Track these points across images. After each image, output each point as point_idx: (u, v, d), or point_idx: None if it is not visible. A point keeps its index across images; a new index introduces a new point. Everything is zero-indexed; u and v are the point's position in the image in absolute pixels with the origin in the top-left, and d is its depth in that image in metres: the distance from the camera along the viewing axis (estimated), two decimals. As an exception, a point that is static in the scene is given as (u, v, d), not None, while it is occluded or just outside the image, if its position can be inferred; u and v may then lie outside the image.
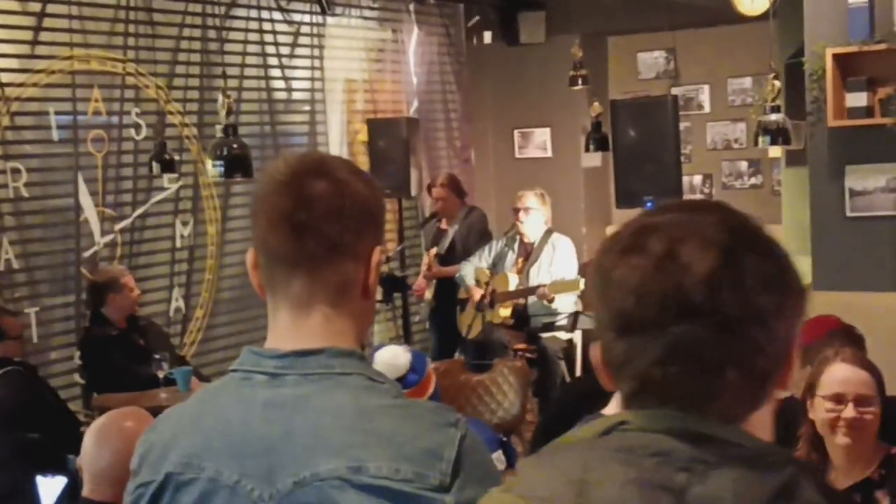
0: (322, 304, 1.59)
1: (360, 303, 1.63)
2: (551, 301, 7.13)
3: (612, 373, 1.22)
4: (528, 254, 7.48)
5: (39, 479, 4.02)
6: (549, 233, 7.51)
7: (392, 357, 4.01)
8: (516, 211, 7.52)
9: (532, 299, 7.28)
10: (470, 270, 7.57)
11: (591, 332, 7.02)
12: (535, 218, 7.46)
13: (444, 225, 8.18)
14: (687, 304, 1.14)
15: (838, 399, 3.12)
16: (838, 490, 1.17)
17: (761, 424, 1.21)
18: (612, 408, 3.79)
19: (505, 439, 5.36)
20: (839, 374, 3.15)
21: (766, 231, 1.22)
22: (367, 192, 1.63)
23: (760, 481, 1.12)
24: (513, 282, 7.41)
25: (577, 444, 1.21)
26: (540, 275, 7.32)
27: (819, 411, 3.16)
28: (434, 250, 8.04)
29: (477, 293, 7.41)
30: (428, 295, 8.14)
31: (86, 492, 2.99)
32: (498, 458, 3.96)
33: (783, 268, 1.21)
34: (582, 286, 7.17)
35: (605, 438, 1.19)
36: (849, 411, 3.11)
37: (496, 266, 7.55)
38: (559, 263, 7.38)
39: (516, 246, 7.56)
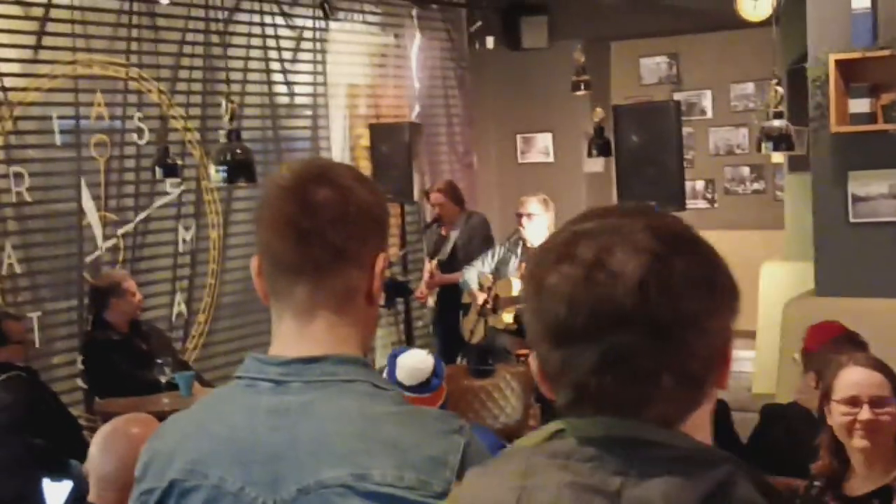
0: (326, 311, 1.59)
1: (364, 309, 1.63)
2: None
3: (551, 383, 1.21)
4: (531, 259, 7.47)
5: (46, 483, 4.02)
6: (551, 238, 7.49)
7: (419, 361, 4.01)
8: (519, 216, 7.52)
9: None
10: (473, 275, 7.56)
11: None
12: (538, 223, 7.45)
13: (444, 231, 8.18)
14: (618, 312, 1.14)
15: (853, 402, 3.13)
16: (777, 488, 1.18)
17: (700, 425, 1.21)
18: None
19: (505, 445, 5.35)
20: (853, 377, 3.16)
21: (694, 233, 1.22)
22: (372, 198, 1.63)
23: (693, 482, 1.12)
24: (516, 287, 7.40)
25: (518, 451, 1.22)
26: (542, 280, 7.30)
27: (835, 416, 3.17)
28: (435, 260, 8.04)
29: (480, 298, 7.41)
30: (431, 301, 8.14)
31: (92, 496, 3.00)
32: None
33: (713, 269, 1.20)
34: None
35: (543, 445, 1.20)
36: (864, 413, 3.11)
37: (499, 271, 7.54)
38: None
39: (519, 251, 7.55)
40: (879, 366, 3.21)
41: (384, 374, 3.85)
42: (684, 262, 1.17)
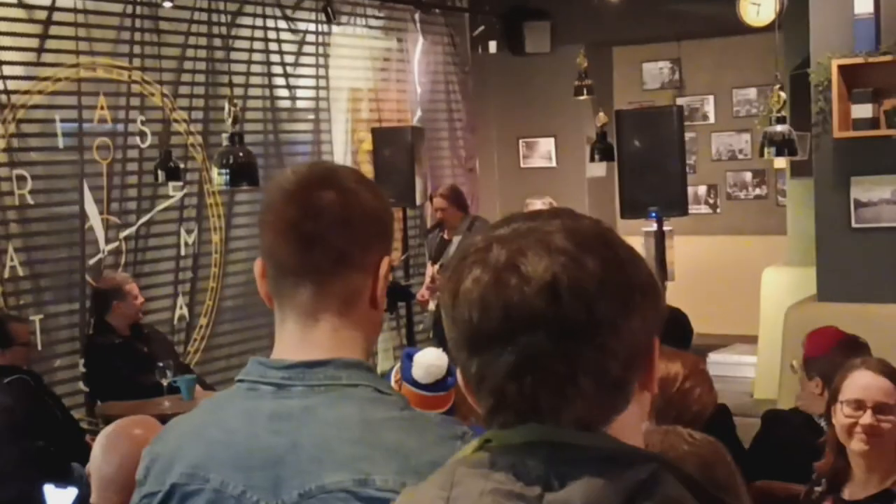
0: (329, 315, 1.59)
1: (367, 313, 1.63)
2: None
3: (472, 391, 1.20)
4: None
5: (49, 489, 4.01)
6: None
7: (436, 358, 4.00)
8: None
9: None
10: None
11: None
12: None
13: (447, 235, 8.18)
14: (530, 314, 1.13)
15: (858, 405, 3.14)
16: (704, 484, 1.16)
17: (629, 427, 1.19)
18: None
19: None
20: (861, 381, 3.17)
21: (611, 234, 1.21)
22: (376, 202, 1.63)
23: (614, 482, 1.11)
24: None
25: (451, 463, 1.21)
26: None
27: (839, 417, 3.18)
28: (438, 265, 8.03)
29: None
30: (431, 305, 8.13)
31: (94, 499, 2.99)
32: None
33: (629, 269, 1.18)
34: None
35: (470, 456, 1.19)
36: (866, 418, 3.12)
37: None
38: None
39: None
40: (891, 372, 3.21)
41: (396, 372, 3.85)
42: (598, 263, 1.15)
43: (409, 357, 4.01)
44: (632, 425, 1.20)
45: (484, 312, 1.14)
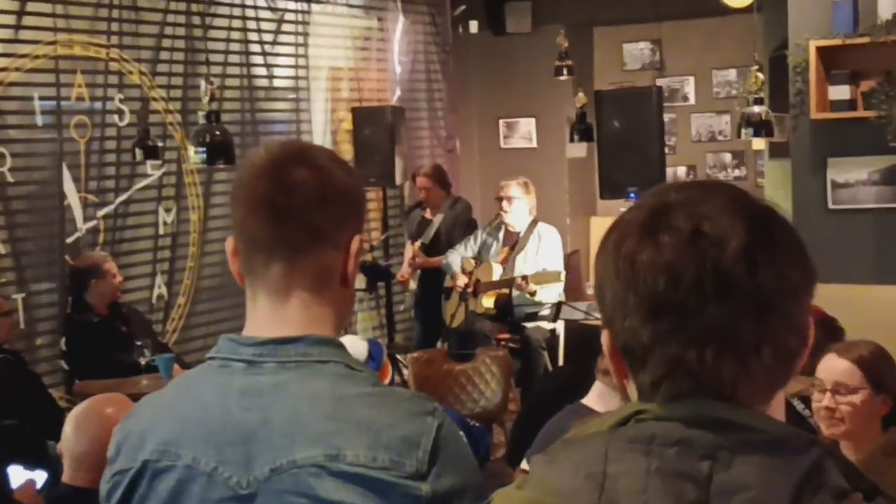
0: (301, 291, 1.59)
1: (339, 291, 1.63)
2: (533, 294, 7.14)
3: (634, 360, 1.17)
4: (514, 243, 7.47)
5: (16, 471, 4.00)
6: (534, 222, 7.50)
7: (350, 345, 4.01)
8: (500, 200, 7.51)
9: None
10: (456, 259, 7.56)
11: (574, 321, 7.04)
12: (519, 207, 7.45)
13: (429, 215, 8.18)
14: (724, 281, 1.11)
15: (820, 387, 3.12)
16: (860, 472, 1.14)
17: (777, 408, 1.18)
18: (593, 398, 3.82)
19: (477, 425, 5.37)
20: (824, 363, 3.14)
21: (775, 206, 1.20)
22: (349, 180, 1.63)
23: (786, 467, 1.09)
24: (497, 271, 7.41)
25: (590, 437, 1.16)
26: (526, 264, 7.32)
27: (814, 402, 3.17)
28: (419, 242, 8.03)
29: (461, 280, 7.41)
30: (413, 285, 8.14)
31: (65, 477, 3.00)
32: None
33: (803, 243, 1.18)
34: (563, 278, 7.18)
35: (621, 430, 1.15)
36: (825, 400, 3.09)
37: (480, 255, 7.55)
38: (545, 253, 7.38)
39: (501, 235, 7.55)
40: (858, 357, 3.12)
41: None
42: (782, 234, 1.15)
43: None
44: (780, 406, 1.21)
45: (673, 278, 1.12)
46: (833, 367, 3.12)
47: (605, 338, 1.20)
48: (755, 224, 1.13)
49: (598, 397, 3.78)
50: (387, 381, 4.08)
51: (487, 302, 7.39)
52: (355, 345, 4.03)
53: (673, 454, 1.11)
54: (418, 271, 8.07)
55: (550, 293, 7.23)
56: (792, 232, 1.17)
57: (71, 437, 2.94)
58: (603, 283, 1.18)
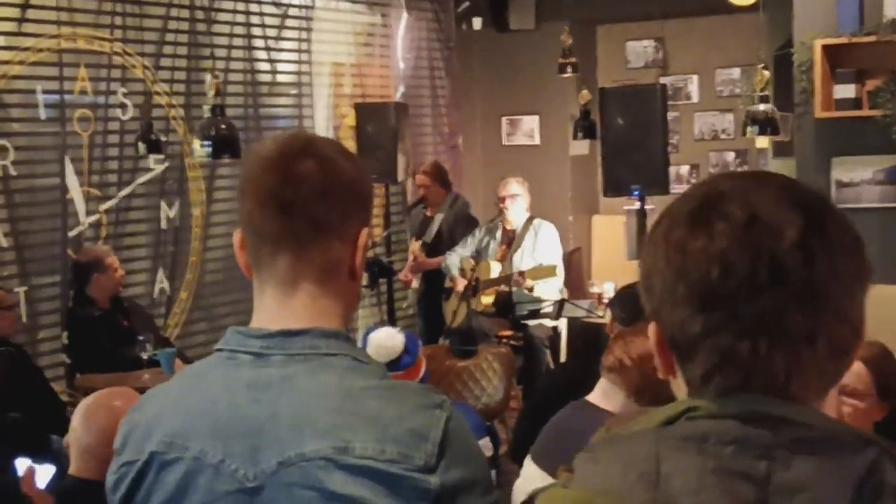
0: (308, 284, 1.58)
1: (346, 284, 1.62)
2: (530, 290, 7.13)
3: (682, 353, 1.14)
4: (511, 241, 7.48)
5: (25, 464, 3.99)
6: (530, 219, 7.51)
7: (387, 338, 4.00)
8: (502, 199, 7.52)
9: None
10: (455, 260, 7.57)
11: (576, 319, 7.04)
12: (519, 205, 7.48)
13: (430, 213, 8.17)
14: (779, 270, 1.08)
15: None
16: None
17: (831, 404, 1.15)
18: (598, 395, 3.80)
19: (489, 424, 5.37)
20: None
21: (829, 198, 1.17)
22: (356, 172, 1.63)
23: (844, 466, 1.06)
24: (495, 269, 7.41)
25: (638, 435, 1.14)
26: (524, 261, 7.32)
27: None
28: (420, 241, 8.03)
29: (460, 283, 7.42)
30: (415, 283, 8.14)
31: (73, 469, 2.99)
32: (485, 444, 3.95)
33: (858, 234, 1.15)
34: (560, 273, 7.18)
35: (671, 427, 1.12)
36: None
37: (479, 255, 7.55)
38: (542, 249, 7.38)
39: (498, 234, 7.55)
40: (869, 358, 3.10)
41: None
42: (836, 224, 1.13)
43: (367, 335, 4.02)
44: (833, 403, 1.16)
45: (727, 267, 1.09)
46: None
47: (652, 330, 1.17)
48: (810, 213, 1.11)
49: (602, 394, 3.76)
50: (420, 375, 4.04)
51: (487, 300, 7.39)
52: (393, 338, 4.01)
53: (729, 453, 1.08)
54: (420, 272, 8.06)
55: (550, 289, 7.22)
56: (846, 223, 1.15)
57: (79, 429, 2.93)
58: (651, 274, 1.16)
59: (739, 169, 10.93)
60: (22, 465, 3.94)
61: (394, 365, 3.92)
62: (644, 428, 1.14)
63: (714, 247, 1.10)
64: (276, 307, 1.59)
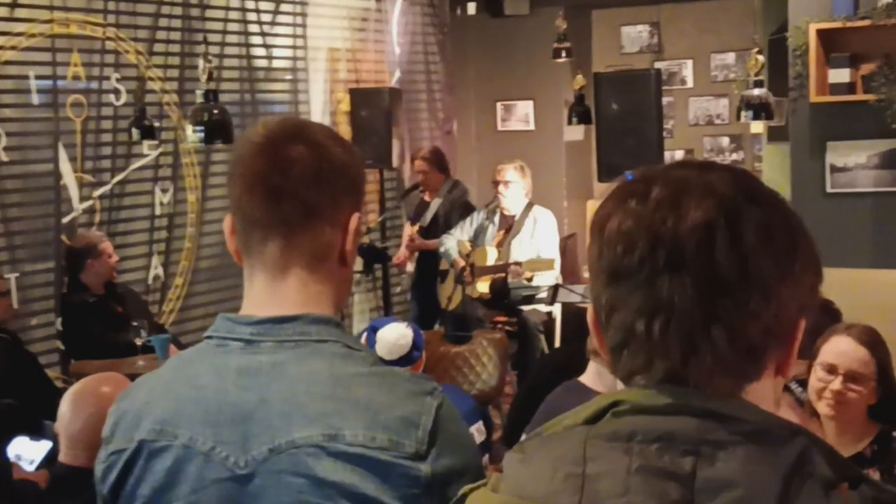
0: (298, 269, 1.58)
1: (337, 270, 1.62)
2: (530, 280, 7.13)
3: (602, 328, 1.14)
4: (509, 227, 7.46)
5: (23, 442, 3.99)
6: (530, 206, 7.49)
7: (400, 336, 3.99)
8: (496, 184, 7.50)
9: (512, 271, 7.28)
10: (453, 243, 7.55)
11: (571, 304, 7.04)
12: (515, 191, 7.44)
13: (427, 197, 8.16)
14: (677, 254, 1.07)
15: (830, 370, 3.18)
16: (846, 460, 1.09)
17: (764, 399, 1.11)
18: (590, 376, 3.81)
19: (483, 408, 5.37)
20: (838, 347, 3.19)
21: (783, 199, 1.15)
22: (346, 157, 1.62)
23: (771, 459, 1.04)
24: (491, 256, 7.40)
25: (566, 433, 1.12)
26: (522, 248, 7.31)
27: (812, 378, 3.22)
28: (417, 226, 8.02)
29: (459, 265, 7.40)
30: (410, 267, 8.13)
31: (62, 457, 2.99)
32: (479, 428, 3.96)
33: (794, 231, 1.12)
34: (557, 266, 7.18)
35: (599, 425, 1.10)
36: (836, 384, 3.15)
37: (476, 239, 7.53)
38: (541, 236, 7.37)
39: (497, 219, 7.54)
40: (872, 342, 3.21)
41: (363, 341, 3.84)
42: (762, 215, 1.10)
43: (374, 331, 4.00)
44: (766, 397, 1.12)
45: (631, 244, 1.10)
46: (851, 352, 3.16)
47: (589, 309, 1.18)
48: (728, 202, 1.09)
49: (594, 375, 3.79)
50: (420, 369, 4.04)
51: (482, 287, 7.38)
52: (404, 336, 4.00)
53: (654, 451, 1.06)
54: (416, 254, 8.06)
55: (546, 276, 7.22)
56: (784, 223, 1.12)
57: (67, 416, 2.92)
58: (589, 250, 1.18)
59: (734, 154, 10.94)
60: (20, 443, 3.95)
61: (405, 361, 3.93)
62: (572, 424, 1.12)
63: (624, 225, 1.11)
64: (266, 293, 1.58)
